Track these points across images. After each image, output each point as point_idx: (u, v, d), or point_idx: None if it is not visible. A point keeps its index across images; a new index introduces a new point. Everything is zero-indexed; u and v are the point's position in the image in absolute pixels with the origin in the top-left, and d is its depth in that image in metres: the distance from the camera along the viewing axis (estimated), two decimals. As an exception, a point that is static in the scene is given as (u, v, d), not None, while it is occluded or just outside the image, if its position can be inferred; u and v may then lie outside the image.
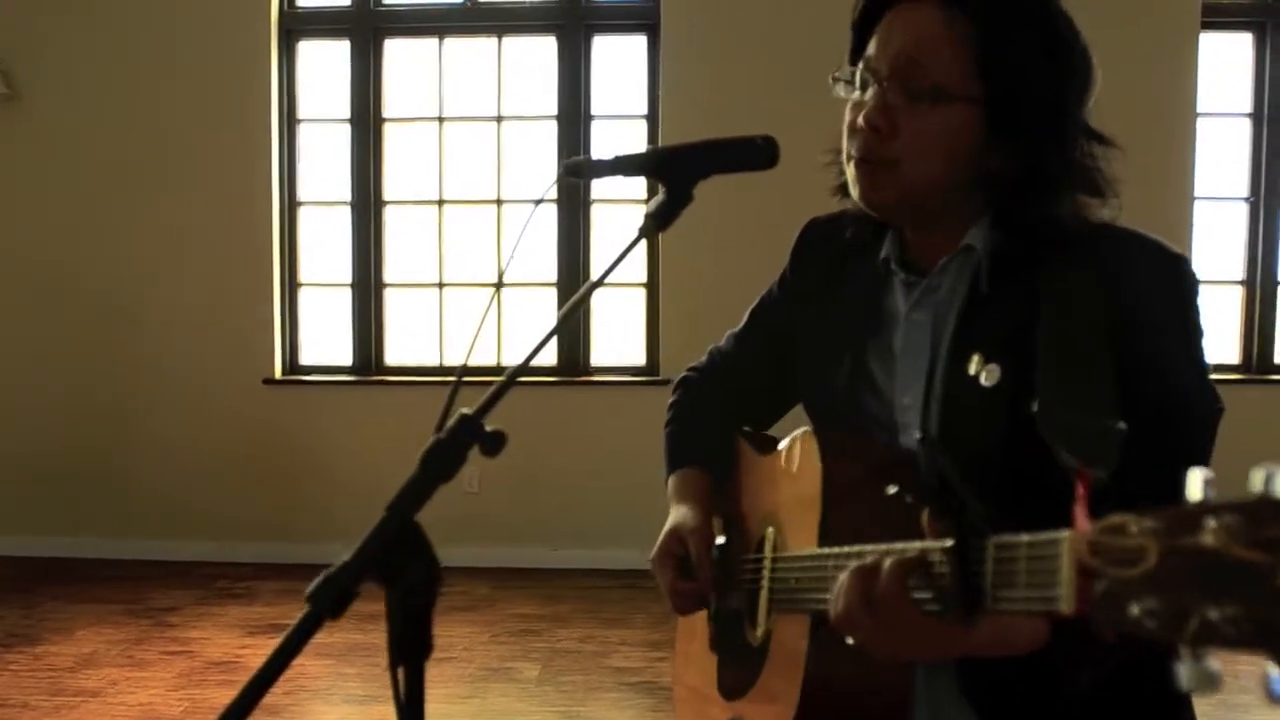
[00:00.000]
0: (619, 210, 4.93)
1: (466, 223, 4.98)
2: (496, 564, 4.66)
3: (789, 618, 1.14)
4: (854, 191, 1.12)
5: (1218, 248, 4.82)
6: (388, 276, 4.97)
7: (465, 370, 0.85)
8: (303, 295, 4.99)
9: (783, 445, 1.24)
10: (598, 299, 4.89)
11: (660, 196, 0.89)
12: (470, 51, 4.94)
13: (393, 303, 5.00)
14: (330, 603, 0.71)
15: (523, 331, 4.94)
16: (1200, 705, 1.06)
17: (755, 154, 0.92)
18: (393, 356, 4.99)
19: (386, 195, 4.95)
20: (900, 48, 1.07)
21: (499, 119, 4.91)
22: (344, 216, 4.94)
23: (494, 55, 4.90)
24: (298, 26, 4.89)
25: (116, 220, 4.83)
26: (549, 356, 4.91)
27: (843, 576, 0.89)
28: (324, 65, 4.93)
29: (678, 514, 1.33)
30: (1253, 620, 0.50)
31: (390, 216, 4.98)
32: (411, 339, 5.00)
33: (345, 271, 4.95)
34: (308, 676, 3.46)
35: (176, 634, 3.91)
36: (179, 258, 4.83)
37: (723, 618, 1.35)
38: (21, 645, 3.77)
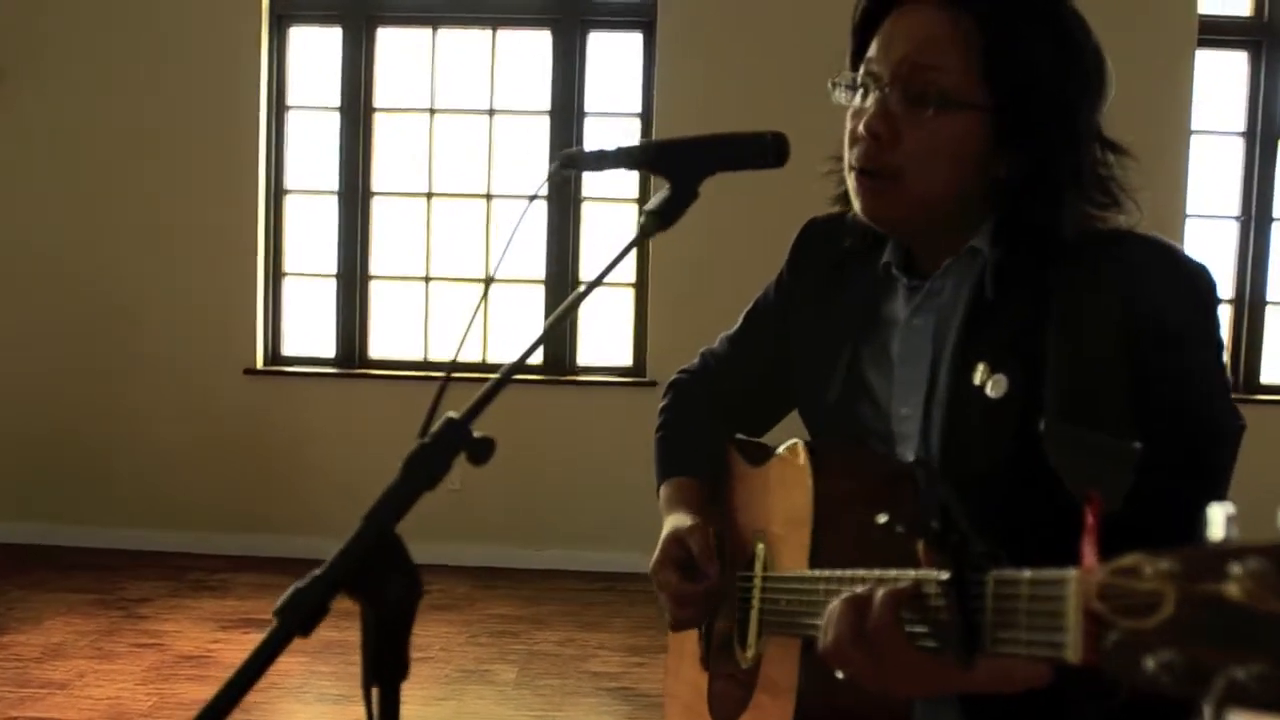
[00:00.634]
0: (610, 208, 4.88)
1: (455, 216, 4.92)
2: (477, 563, 4.61)
3: (779, 641, 1.09)
4: (855, 204, 1.07)
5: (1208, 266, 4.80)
6: (374, 268, 4.91)
7: (454, 367, 0.80)
8: (287, 285, 4.92)
9: (774, 457, 1.18)
10: (588, 296, 4.84)
11: (663, 193, 0.84)
12: (464, 43, 4.88)
13: (378, 295, 4.94)
14: (300, 619, 0.65)
15: (510, 329, 4.89)
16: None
17: (764, 151, 0.87)
18: (377, 350, 4.93)
19: (375, 186, 4.89)
20: (903, 52, 1.02)
21: (491, 113, 4.85)
22: (331, 206, 4.88)
23: (488, 48, 4.84)
24: (289, 12, 4.82)
25: (99, 207, 4.75)
26: (535, 355, 4.85)
27: (832, 605, 0.84)
28: (315, 52, 4.87)
29: (673, 520, 1.27)
30: None
31: (378, 208, 4.91)
32: (396, 332, 4.94)
33: (331, 262, 4.88)
34: (281, 674, 3.40)
35: (148, 626, 3.84)
36: (162, 245, 4.75)
37: (712, 636, 1.30)
38: (-12, 634, 3.70)
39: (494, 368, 5.08)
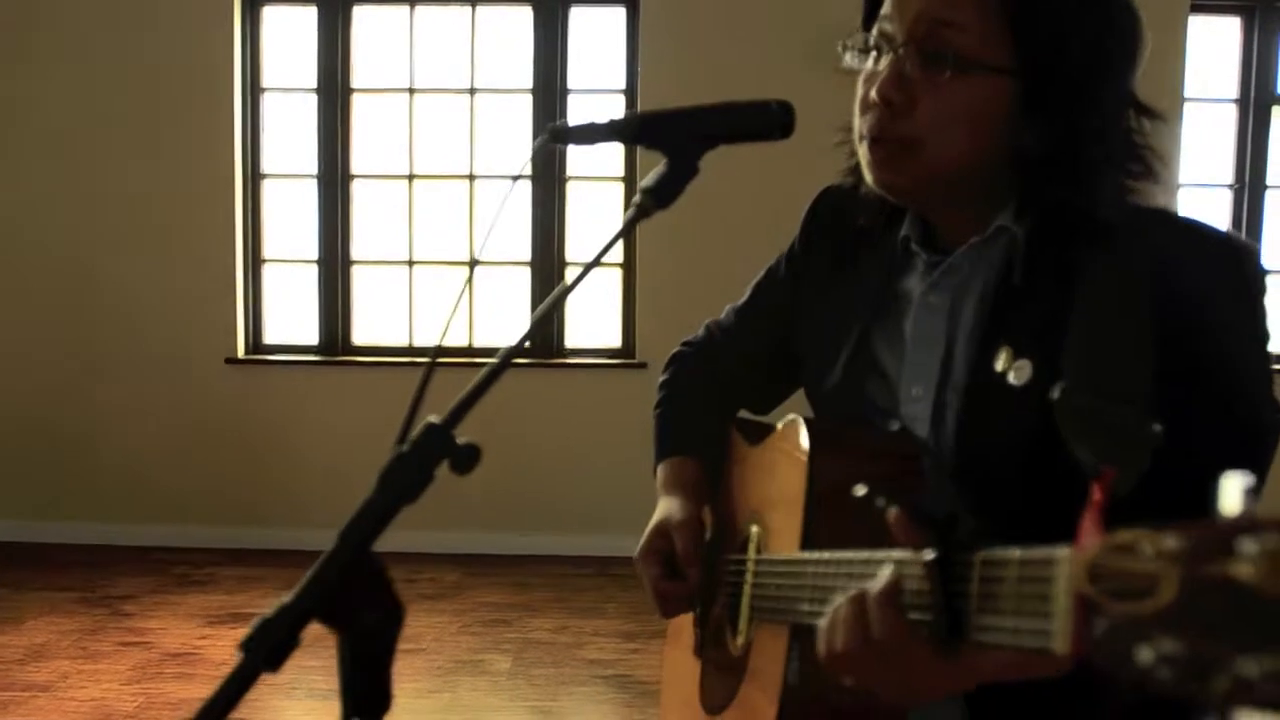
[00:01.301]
0: (596, 188, 4.80)
1: (438, 198, 4.83)
2: (467, 550, 4.54)
3: (769, 629, 1.03)
4: (867, 175, 1.00)
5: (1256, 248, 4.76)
6: (355, 253, 4.81)
7: (439, 352, 0.73)
8: (266, 272, 4.82)
9: (772, 435, 1.13)
10: (572, 278, 4.76)
11: (661, 169, 0.77)
12: (443, 21, 4.77)
13: (360, 280, 4.84)
14: (266, 654, 0.58)
15: (496, 312, 4.81)
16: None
17: (770, 122, 0.79)
18: (360, 336, 4.84)
19: (354, 169, 4.78)
20: (919, 10, 0.94)
21: (472, 91, 4.75)
22: (310, 190, 4.77)
23: (468, 25, 4.74)
24: (262, -8, 4.70)
25: (71, 193, 4.64)
26: (537, 315, 4.78)
27: (833, 609, 0.77)
28: (289, 32, 4.75)
29: (665, 507, 1.21)
30: None
31: (358, 191, 4.81)
32: (380, 318, 4.85)
33: (311, 247, 4.79)
34: (269, 669, 3.33)
35: (133, 624, 3.76)
36: (136, 232, 4.64)
37: (707, 623, 1.25)
38: (-32, 635, 3.62)
39: (480, 352, 5.00)
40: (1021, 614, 0.58)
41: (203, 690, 2.94)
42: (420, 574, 4.29)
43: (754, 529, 1.13)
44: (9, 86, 4.61)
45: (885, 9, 0.97)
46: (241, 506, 4.68)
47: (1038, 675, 0.76)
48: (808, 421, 1.03)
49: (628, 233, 0.76)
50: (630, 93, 4.67)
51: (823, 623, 0.78)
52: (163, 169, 4.61)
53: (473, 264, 4.85)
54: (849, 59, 1.01)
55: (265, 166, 4.77)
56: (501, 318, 4.81)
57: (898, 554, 0.73)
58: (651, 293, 4.62)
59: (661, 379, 1.35)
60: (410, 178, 4.79)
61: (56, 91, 4.60)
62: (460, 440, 0.63)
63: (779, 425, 1.10)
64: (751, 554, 1.12)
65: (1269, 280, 0.98)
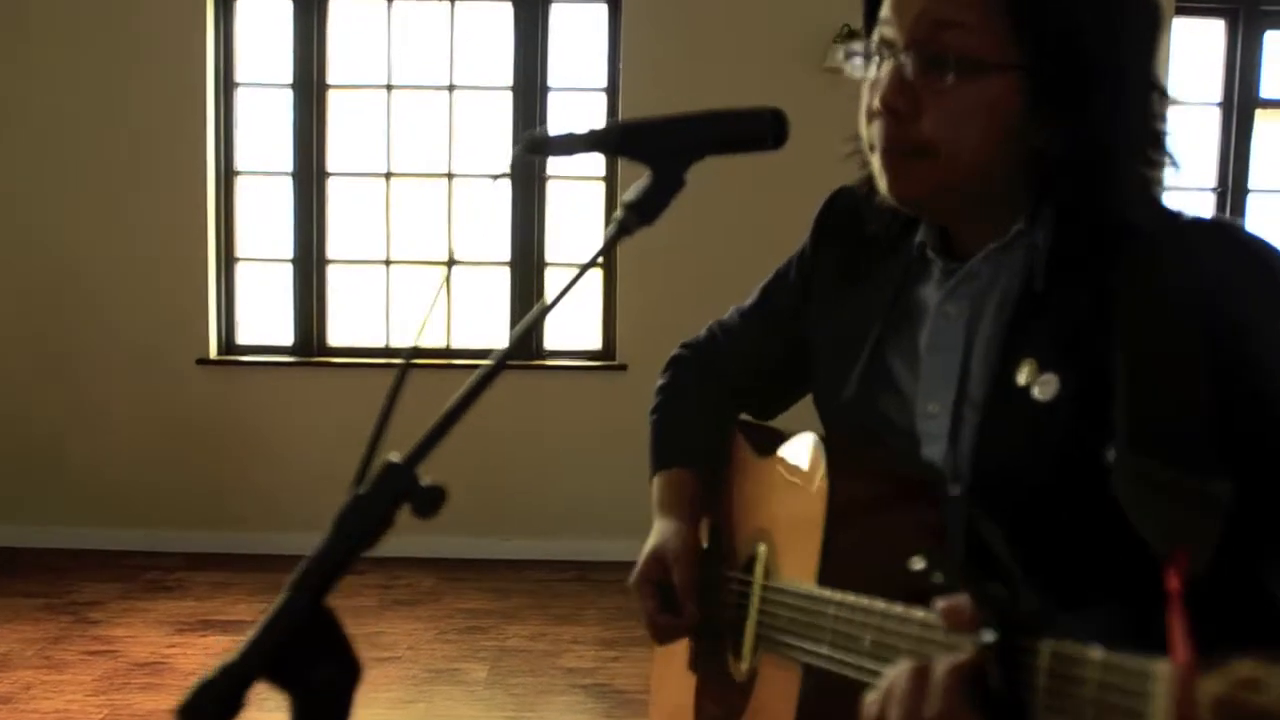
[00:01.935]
0: (576, 188, 4.74)
1: (415, 197, 4.75)
2: (443, 554, 4.48)
3: (778, 663, 0.99)
4: (882, 188, 0.94)
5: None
6: (331, 252, 4.73)
7: (414, 354, 0.68)
8: (240, 271, 4.73)
9: (784, 450, 1.07)
10: (552, 280, 4.71)
11: (644, 182, 0.71)
12: (421, 16, 4.70)
13: (336, 280, 4.76)
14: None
15: (474, 313, 4.75)
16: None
17: (761, 131, 0.74)
18: (336, 337, 4.76)
19: (330, 166, 4.70)
20: (917, 11, 0.89)
21: (451, 88, 4.68)
22: (285, 188, 4.68)
23: (447, 21, 4.66)
24: (237, -15, 4.61)
25: (40, 189, 4.53)
26: (500, 339, 4.72)
27: (890, 679, 0.69)
28: (264, 26, 4.66)
29: (662, 531, 1.16)
30: None
31: (334, 189, 4.73)
32: (356, 318, 4.77)
33: (286, 246, 4.70)
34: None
35: (99, 632, 3.68)
36: (106, 230, 4.54)
37: (703, 637, 1.20)
38: (-71, 643, 3.52)
39: (458, 353, 4.92)
40: None
41: (171, 701, 2.86)
42: (396, 579, 4.22)
43: (761, 548, 1.08)
44: (-25, 80, 4.50)
45: (884, 12, 0.92)
46: (214, 511, 4.60)
47: None
48: (825, 443, 0.98)
49: (608, 251, 0.70)
50: (612, 91, 4.61)
51: (874, 694, 0.71)
52: (134, 165, 4.51)
53: (449, 264, 4.77)
54: (850, 67, 0.95)
55: (239, 163, 4.69)
56: (480, 319, 4.75)
57: (933, 617, 0.68)
58: (632, 295, 4.57)
59: (660, 381, 1.29)
60: (387, 176, 4.72)
61: (25, 86, 4.49)
62: (424, 480, 0.58)
63: (791, 440, 1.05)
64: (758, 575, 1.07)
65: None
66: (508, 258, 4.68)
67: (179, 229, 4.55)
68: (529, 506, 4.63)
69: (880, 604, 0.78)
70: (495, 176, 0.85)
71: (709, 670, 1.17)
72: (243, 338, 4.74)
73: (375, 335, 4.75)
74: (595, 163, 4.66)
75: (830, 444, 0.97)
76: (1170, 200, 0.94)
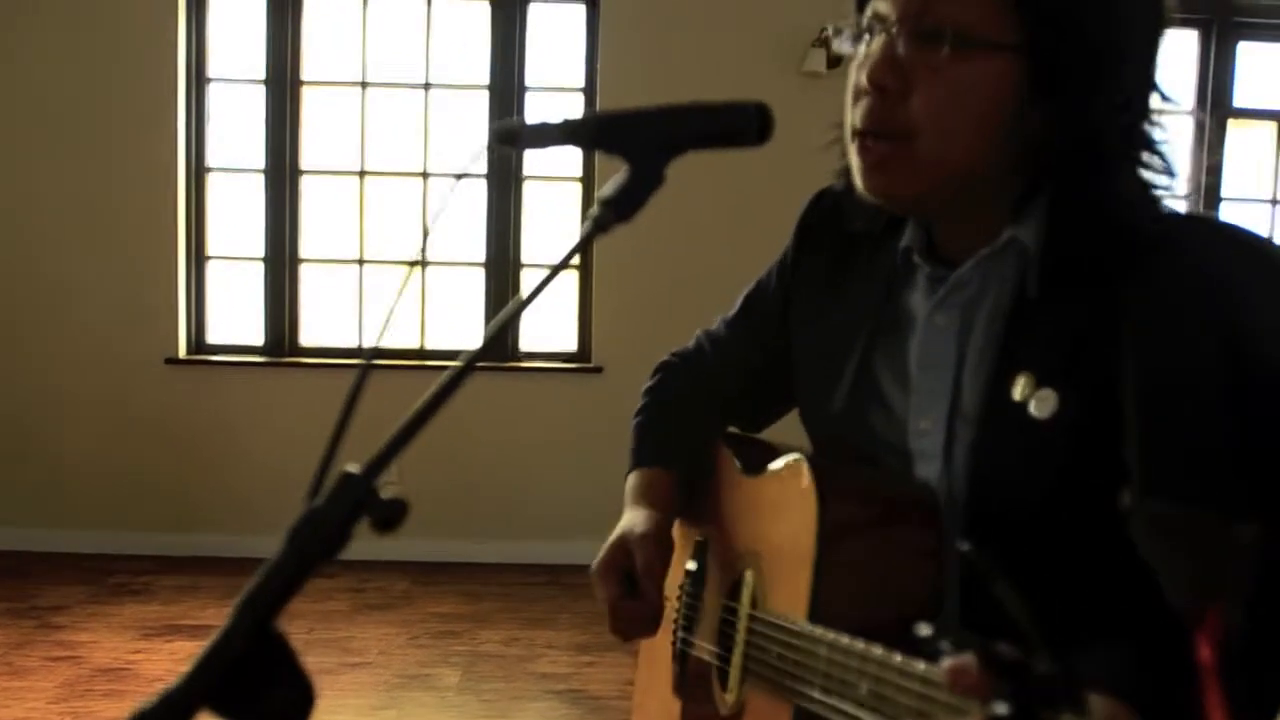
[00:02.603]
0: (553, 188, 4.70)
1: (389, 196, 4.69)
2: (416, 558, 4.42)
3: (766, 700, 0.94)
4: (858, 181, 0.89)
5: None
6: (303, 251, 4.66)
7: (376, 354, 0.64)
8: (210, 269, 4.66)
9: (771, 470, 1.02)
10: (527, 279, 4.67)
11: (621, 177, 0.67)
12: (397, 13, 4.64)
13: (308, 279, 4.69)
14: (146, 753, 0.48)
15: (449, 313, 4.69)
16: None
17: (745, 125, 0.70)
18: (308, 337, 4.70)
19: (303, 164, 4.63)
20: None
21: (427, 86, 4.63)
22: (257, 185, 4.61)
23: (423, 19, 4.61)
24: (209, -21, 4.54)
25: (5, 185, 4.44)
26: (475, 340, 4.67)
27: None
28: (237, 21, 4.59)
29: (629, 519, 1.11)
30: None
31: (307, 186, 4.66)
32: (328, 318, 4.71)
33: (257, 244, 4.63)
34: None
35: (63, 637, 3.59)
36: (73, 225, 4.46)
37: (688, 661, 1.16)
38: (-115, 648, 3.44)
39: (432, 354, 4.86)
40: None
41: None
42: (367, 583, 4.17)
43: (748, 574, 1.03)
44: (-61, 72, 4.41)
45: None
46: (182, 512, 4.52)
47: None
48: (814, 465, 0.93)
49: (583, 249, 0.66)
50: (590, 91, 4.58)
51: None
52: (102, 160, 4.43)
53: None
54: (839, 44, 0.90)
55: (210, 160, 4.61)
56: (455, 319, 4.70)
57: (937, 673, 0.63)
58: (609, 296, 4.53)
59: (645, 386, 1.25)
60: (361, 174, 4.66)
61: (-10, 78, 4.41)
62: (385, 492, 0.54)
63: (778, 460, 1.00)
64: (745, 603, 1.02)
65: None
66: (483, 258, 4.63)
67: (148, 226, 4.47)
68: (503, 509, 4.58)
69: (878, 651, 0.74)
70: (459, 175, 0.81)
71: (694, 697, 1.13)
72: (213, 337, 4.67)
73: (348, 335, 4.69)
74: (572, 162, 4.62)
75: (819, 466, 0.92)
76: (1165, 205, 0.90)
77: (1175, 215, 0.86)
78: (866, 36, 0.88)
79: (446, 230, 4.64)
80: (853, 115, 0.89)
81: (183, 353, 4.55)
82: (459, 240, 4.62)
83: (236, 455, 4.53)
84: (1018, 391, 0.84)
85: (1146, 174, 0.86)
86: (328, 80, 4.65)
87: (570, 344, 4.68)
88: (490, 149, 0.70)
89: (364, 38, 4.60)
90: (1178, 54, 4.74)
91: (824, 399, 1.00)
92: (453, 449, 4.35)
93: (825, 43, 4.24)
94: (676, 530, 1.15)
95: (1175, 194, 0.88)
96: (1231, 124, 4.77)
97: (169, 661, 3.43)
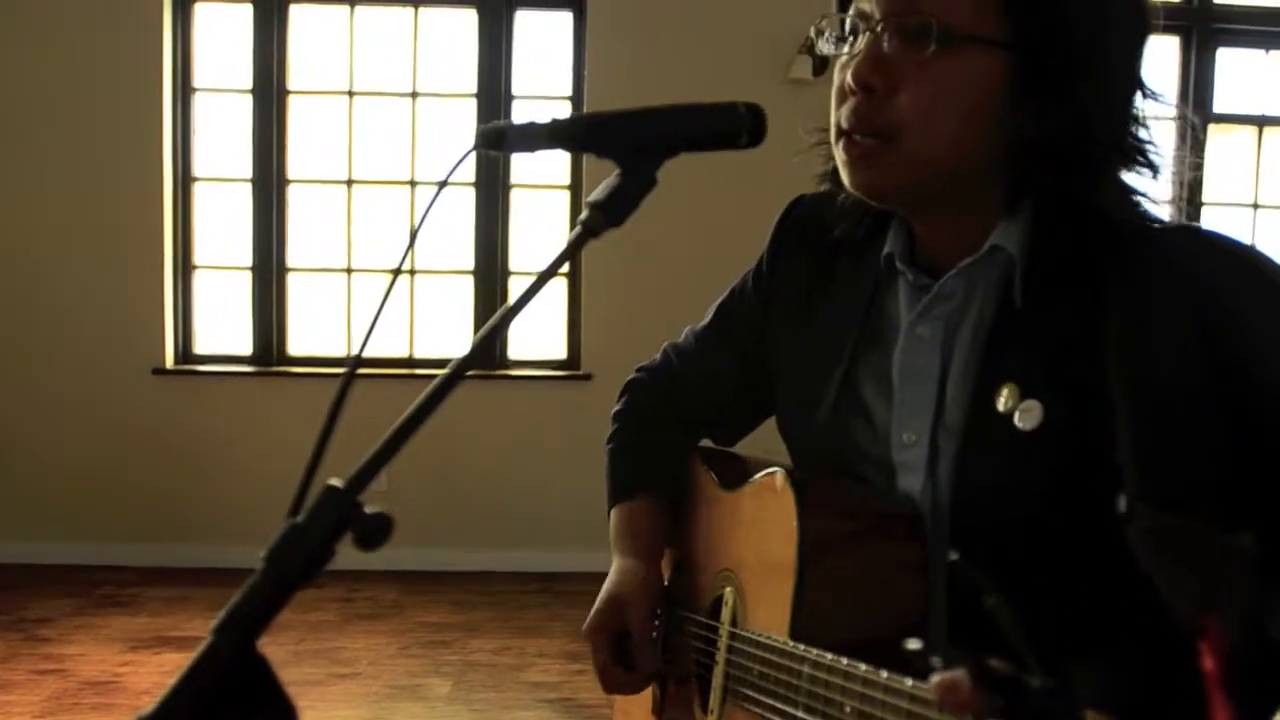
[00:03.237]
0: (541, 195, 4.68)
1: (377, 204, 4.67)
2: (406, 567, 4.39)
3: (749, 717, 0.92)
4: (844, 176, 0.88)
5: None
6: (291, 260, 4.64)
7: (359, 363, 0.62)
8: (197, 278, 4.63)
9: (750, 485, 1.00)
10: (516, 287, 4.65)
11: (612, 180, 0.66)
12: (384, 22, 4.63)
13: (296, 288, 4.67)
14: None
15: (437, 321, 4.67)
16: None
17: (737, 127, 0.69)
18: (296, 346, 4.67)
19: (291, 173, 4.61)
20: None
21: (414, 95, 4.61)
22: (244, 194, 4.59)
23: (410, 27, 4.60)
24: (194, -13, 4.52)
25: (-11, 193, 4.42)
26: (463, 348, 4.65)
27: None
28: (223, 30, 4.57)
29: (619, 574, 1.09)
30: None
31: (294, 195, 4.64)
32: (316, 328, 4.68)
33: (245, 254, 4.60)
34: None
35: (50, 650, 3.56)
36: (59, 235, 4.43)
37: (666, 681, 1.14)
38: None
39: (421, 363, 4.82)
40: None
41: (121, 723, 2.77)
42: (357, 592, 4.14)
43: (728, 591, 1.01)
44: (-78, 82, 4.37)
45: None
46: (169, 523, 4.48)
47: None
48: (794, 480, 0.90)
49: (572, 255, 0.65)
50: (577, 99, 4.57)
51: None
52: (88, 171, 4.40)
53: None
54: (823, 45, 0.88)
55: (197, 169, 4.59)
56: (444, 327, 4.68)
57: (926, 689, 0.61)
58: (598, 303, 4.52)
59: (615, 409, 1.22)
60: (349, 183, 4.64)
61: (-27, 88, 4.37)
62: (368, 508, 0.52)
63: (758, 476, 0.98)
64: (725, 621, 1.00)
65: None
66: (471, 266, 4.61)
67: (135, 236, 4.44)
68: (493, 518, 4.56)
69: (862, 668, 0.72)
70: (441, 183, 0.79)
71: (674, 718, 1.11)
72: (200, 347, 4.64)
73: (336, 344, 4.67)
74: (560, 168, 4.61)
75: (800, 481, 0.90)
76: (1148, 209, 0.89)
77: (1160, 222, 0.85)
78: (851, 37, 0.87)
79: (434, 238, 4.63)
80: (837, 115, 0.87)
81: (170, 363, 4.52)
82: (447, 248, 4.60)
83: (225, 465, 4.50)
84: (1002, 403, 0.83)
85: (1131, 178, 0.85)
86: (315, 89, 4.63)
87: (560, 351, 4.67)
88: (476, 152, 0.68)
89: (351, 46, 4.59)
90: (1159, 60, 4.75)
91: (804, 409, 0.98)
92: (443, 457, 4.33)
93: (812, 49, 4.24)
94: None
95: (1159, 199, 0.87)
96: (1212, 129, 4.78)
97: (157, 674, 3.39)
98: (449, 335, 4.68)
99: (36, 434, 4.47)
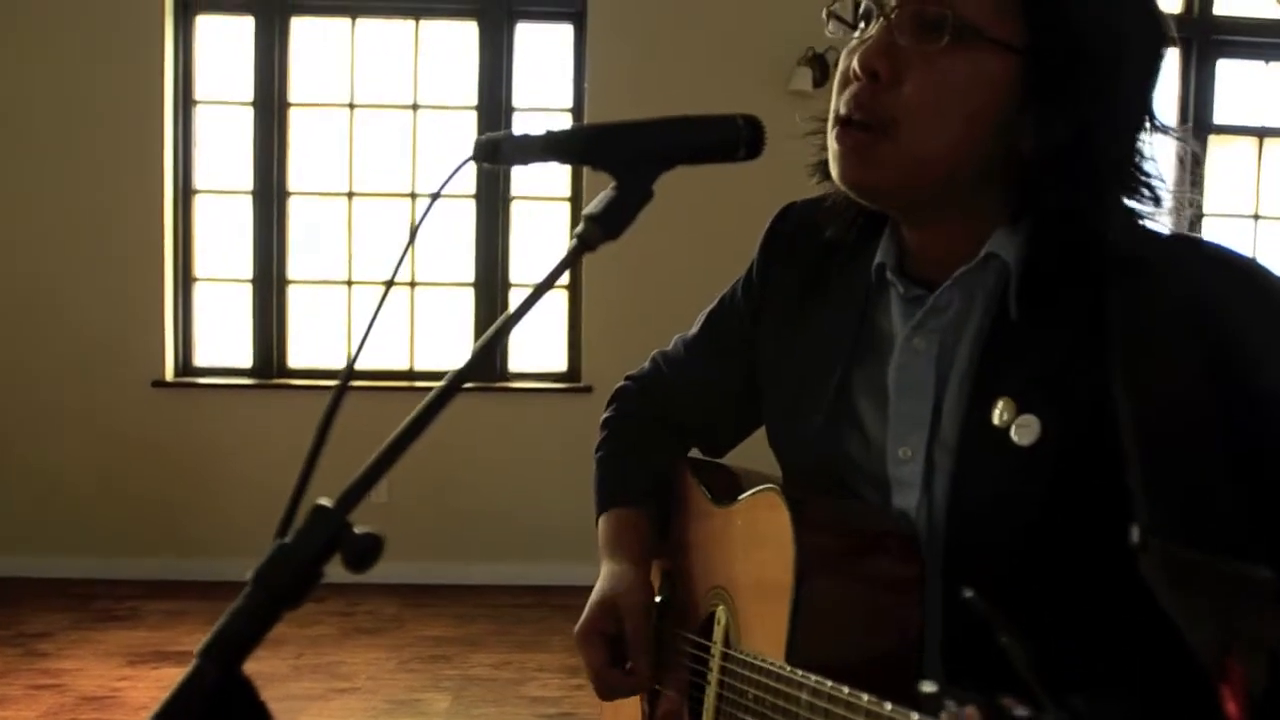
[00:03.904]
0: (541, 208, 4.68)
1: (378, 217, 4.67)
2: (406, 580, 4.37)
3: None
4: (833, 169, 0.85)
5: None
6: (291, 272, 4.63)
7: (351, 376, 0.61)
8: (198, 291, 4.62)
9: (743, 502, 0.98)
10: (516, 299, 4.63)
11: (609, 193, 0.65)
12: (385, 35, 4.63)
13: (296, 300, 4.66)
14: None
15: (438, 334, 4.66)
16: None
17: (734, 139, 0.68)
18: (296, 358, 4.66)
19: (291, 185, 4.61)
20: None
21: (415, 107, 4.62)
22: (245, 206, 4.59)
23: (411, 40, 4.60)
24: None
25: (-11, 206, 4.41)
26: (464, 360, 4.64)
27: None
28: (225, 43, 4.57)
29: (611, 577, 1.07)
30: None
31: (295, 208, 4.64)
32: (317, 340, 4.67)
33: (245, 266, 4.60)
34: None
35: (48, 664, 3.53)
36: (60, 248, 4.42)
37: (658, 700, 1.12)
38: None
39: (422, 375, 4.81)
40: None
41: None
42: (358, 606, 4.11)
43: (720, 610, 1.00)
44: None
45: None
46: (168, 537, 4.46)
47: None
48: (788, 497, 0.88)
49: (570, 266, 0.64)
50: (577, 111, 4.57)
51: None
52: (88, 183, 4.40)
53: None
54: (833, 29, 0.86)
55: (198, 182, 4.59)
56: (444, 340, 4.67)
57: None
58: (598, 315, 4.51)
59: (604, 416, 1.21)
60: (349, 195, 4.64)
61: (-26, 100, 4.38)
62: (358, 527, 0.51)
63: (750, 492, 0.96)
64: (718, 639, 0.98)
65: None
66: (471, 278, 4.61)
67: (136, 248, 4.44)
68: (493, 531, 4.54)
69: (865, 699, 0.70)
70: (434, 195, 0.79)
71: None
72: (200, 359, 4.63)
73: (336, 357, 4.66)
74: (559, 181, 4.61)
75: (794, 498, 0.88)
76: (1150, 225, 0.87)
77: (1159, 235, 0.84)
78: (863, 22, 0.85)
79: (434, 251, 4.62)
80: (837, 101, 0.85)
81: (170, 375, 4.51)
82: (448, 260, 4.60)
83: (225, 478, 4.48)
84: (997, 416, 0.81)
85: (1133, 193, 0.83)
86: (316, 101, 4.63)
87: (560, 363, 4.66)
88: (477, 164, 0.67)
89: (352, 59, 4.59)
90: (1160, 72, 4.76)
91: (796, 421, 0.96)
92: (443, 470, 4.31)
93: (812, 61, 4.24)
94: None
95: (1161, 214, 0.85)
96: (1212, 140, 4.78)
97: (155, 689, 3.37)
98: (450, 347, 4.67)
99: (36, 446, 4.46)
